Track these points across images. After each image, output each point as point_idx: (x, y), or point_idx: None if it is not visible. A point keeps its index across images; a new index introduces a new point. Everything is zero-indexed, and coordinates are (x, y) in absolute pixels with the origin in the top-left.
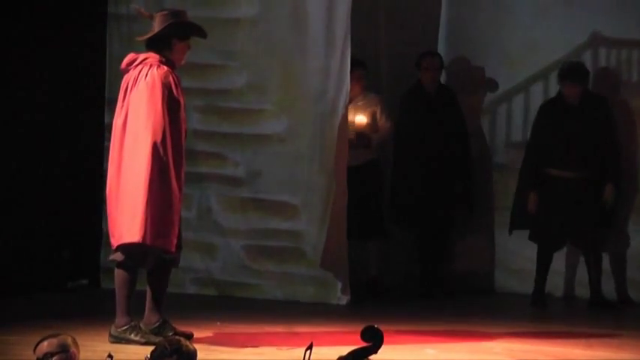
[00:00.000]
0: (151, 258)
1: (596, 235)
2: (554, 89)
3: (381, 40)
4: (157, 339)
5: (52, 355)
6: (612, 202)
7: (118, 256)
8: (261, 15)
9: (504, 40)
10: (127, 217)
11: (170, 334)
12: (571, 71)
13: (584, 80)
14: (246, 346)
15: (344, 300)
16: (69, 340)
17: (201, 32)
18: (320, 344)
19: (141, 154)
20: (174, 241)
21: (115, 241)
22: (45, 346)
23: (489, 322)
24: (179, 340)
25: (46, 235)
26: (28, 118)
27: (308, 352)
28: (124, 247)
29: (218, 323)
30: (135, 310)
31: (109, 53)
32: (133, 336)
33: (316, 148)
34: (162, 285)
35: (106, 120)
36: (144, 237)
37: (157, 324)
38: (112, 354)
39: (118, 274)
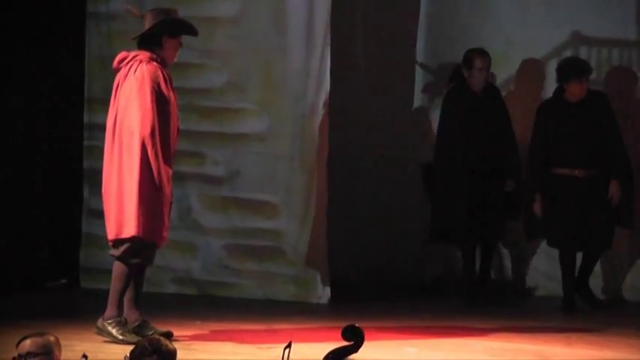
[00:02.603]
0: (148, 252)
1: (609, 234)
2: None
3: (359, 39)
4: (137, 339)
5: (35, 355)
6: (618, 200)
7: (116, 251)
8: (241, 14)
9: (484, 39)
10: (122, 213)
11: (150, 333)
12: (577, 68)
13: (589, 77)
14: (226, 345)
15: (324, 299)
16: (52, 342)
17: (191, 30)
18: (300, 343)
19: (132, 149)
20: (165, 234)
21: (111, 237)
22: (28, 344)
23: (470, 319)
24: (159, 340)
25: (25, 235)
26: (7, 117)
27: (287, 350)
28: (124, 242)
29: (198, 322)
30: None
31: (87, 52)
32: (114, 331)
33: (296, 148)
34: (140, 283)
35: (86, 119)
36: (138, 231)
37: (137, 323)
38: (87, 354)
39: (116, 267)
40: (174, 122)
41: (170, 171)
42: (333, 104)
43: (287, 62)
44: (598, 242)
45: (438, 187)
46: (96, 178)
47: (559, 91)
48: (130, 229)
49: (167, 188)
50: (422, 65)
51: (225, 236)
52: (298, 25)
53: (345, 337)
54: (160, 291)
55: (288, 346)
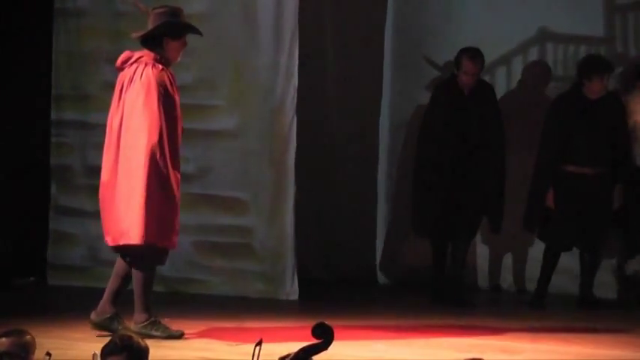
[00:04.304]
0: (158, 256)
1: (602, 235)
2: (500, 83)
3: (327, 35)
4: (178, 333)
5: (12, 356)
6: (619, 202)
7: (138, 255)
8: (211, 11)
9: (452, 34)
10: (126, 218)
11: (119, 328)
12: (600, 66)
13: (611, 74)
14: (196, 342)
15: (293, 295)
16: (30, 342)
17: (194, 31)
18: (270, 340)
19: (138, 155)
20: (175, 239)
21: (111, 241)
22: (6, 343)
23: (439, 316)
24: (131, 337)
25: None
26: None
27: (257, 348)
28: (145, 248)
29: (166, 319)
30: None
31: (55, 49)
32: (154, 331)
33: (265, 144)
34: (127, 281)
35: (53, 116)
36: (145, 238)
37: (107, 315)
38: (50, 352)
39: (138, 273)
40: (180, 124)
41: (179, 176)
42: (301, 100)
43: (257, 58)
44: (590, 243)
45: (416, 183)
46: (63, 174)
47: (577, 87)
48: (135, 237)
49: (177, 194)
50: (428, 60)
51: (194, 233)
52: (267, 21)
53: (314, 334)
54: (128, 288)
55: (259, 343)
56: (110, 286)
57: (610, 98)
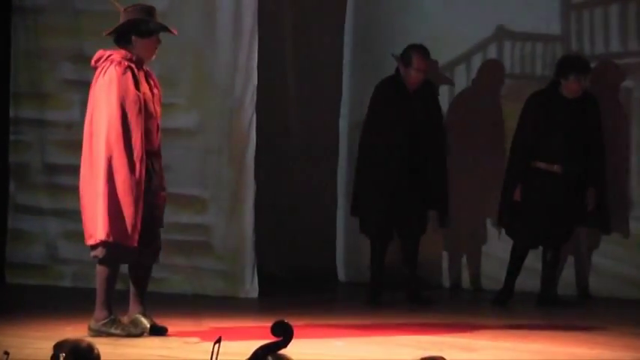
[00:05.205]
0: (122, 255)
1: (567, 234)
2: (459, 82)
3: (287, 35)
4: (138, 331)
5: None
6: (592, 205)
7: (99, 252)
8: (171, 9)
9: (410, 32)
10: (94, 217)
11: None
12: (577, 66)
13: (588, 76)
14: (154, 340)
15: (252, 293)
16: None
17: (164, 29)
18: (229, 338)
19: (99, 154)
20: (137, 237)
21: (89, 240)
22: None
23: (400, 315)
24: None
25: None
26: None
27: (216, 346)
28: (104, 245)
29: (125, 317)
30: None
31: (13, 46)
32: (113, 329)
33: (225, 142)
34: (141, 280)
35: (11, 114)
36: (108, 236)
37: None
38: (9, 351)
39: (99, 270)
40: (154, 121)
41: (143, 171)
42: (261, 98)
43: (216, 57)
44: (554, 241)
45: (361, 181)
46: (22, 173)
47: (554, 85)
48: (100, 234)
49: (140, 192)
50: (397, 58)
51: None
52: (226, 20)
53: (274, 332)
54: (87, 286)
55: (218, 341)
56: (131, 290)
57: (587, 99)
